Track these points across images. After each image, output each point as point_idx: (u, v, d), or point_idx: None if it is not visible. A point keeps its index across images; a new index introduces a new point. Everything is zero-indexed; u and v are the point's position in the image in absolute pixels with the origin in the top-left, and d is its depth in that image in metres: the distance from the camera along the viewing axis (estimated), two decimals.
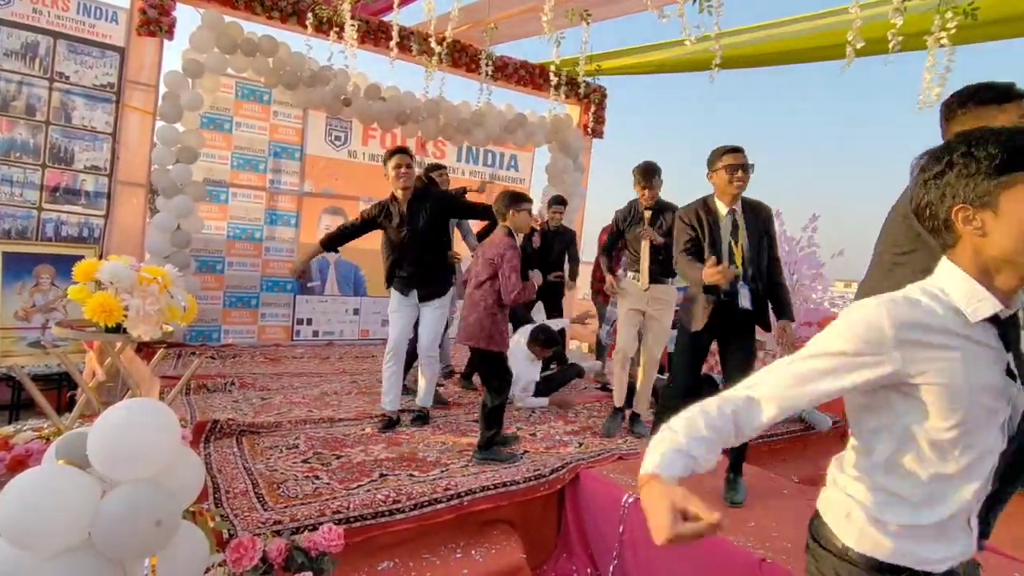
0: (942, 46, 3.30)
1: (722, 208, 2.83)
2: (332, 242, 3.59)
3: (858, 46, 3.08)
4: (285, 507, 2.39)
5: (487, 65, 5.46)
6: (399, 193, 3.45)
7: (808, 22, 3.31)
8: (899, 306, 0.98)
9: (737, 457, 2.89)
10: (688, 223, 2.87)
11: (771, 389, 1.04)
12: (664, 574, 2.56)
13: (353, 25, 4.51)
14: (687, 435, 0.98)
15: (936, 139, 1.86)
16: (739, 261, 2.78)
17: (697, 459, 0.97)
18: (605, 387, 4.92)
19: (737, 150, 2.75)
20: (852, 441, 1.14)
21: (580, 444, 3.47)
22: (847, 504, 1.11)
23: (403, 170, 3.37)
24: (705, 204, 2.87)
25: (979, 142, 0.96)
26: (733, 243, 2.79)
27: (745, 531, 2.48)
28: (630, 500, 2.73)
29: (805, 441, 4.21)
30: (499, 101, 6.47)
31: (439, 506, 2.60)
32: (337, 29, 4.70)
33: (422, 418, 3.65)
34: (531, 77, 6.57)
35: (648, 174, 3.48)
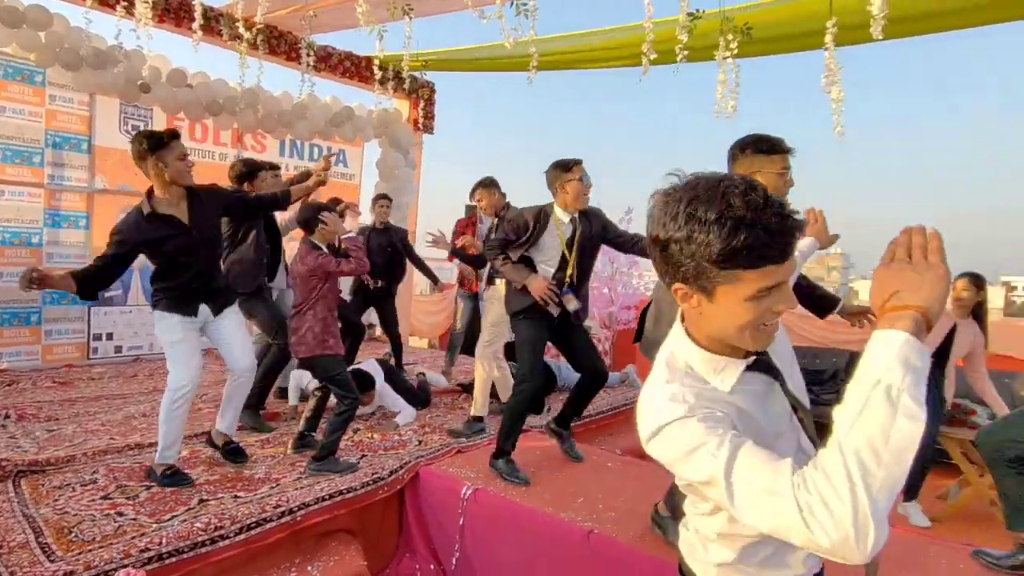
0: (726, 57, 3.78)
1: (563, 216, 2.93)
2: (90, 284, 2.55)
3: (652, 57, 3.42)
4: (78, 554, 2.09)
5: (308, 55, 5.18)
6: (171, 191, 2.67)
7: (606, 35, 3.61)
8: (676, 399, 0.90)
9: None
10: (524, 224, 2.92)
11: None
12: (503, 555, 2.66)
13: (146, 1, 4.02)
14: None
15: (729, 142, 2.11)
16: (570, 268, 2.95)
17: None
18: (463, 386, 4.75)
19: (581, 162, 2.88)
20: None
21: (420, 441, 3.47)
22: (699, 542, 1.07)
23: (184, 163, 2.66)
24: (544, 212, 2.93)
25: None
26: (567, 251, 2.92)
27: (574, 507, 2.66)
28: (469, 492, 2.79)
29: (627, 414, 4.59)
30: (324, 93, 6.19)
31: (269, 525, 2.45)
32: (125, 3, 4.16)
33: (235, 452, 3.01)
34: (357, 69, 6.37)
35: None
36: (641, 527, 2.44)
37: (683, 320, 1.02)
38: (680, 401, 0.89)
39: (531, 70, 3.79)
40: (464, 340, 4.98)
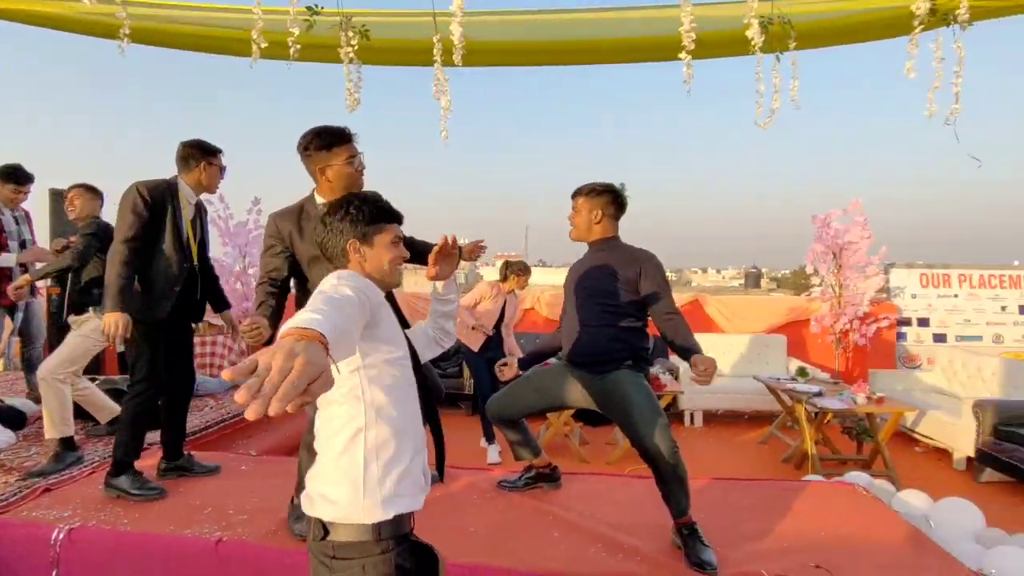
0: (351, 61, 3.91)
1: (190, 196, 2.76)
2: None
3: (263, 45, 3.34)
4: None
5: None
6: None
7: (218, 12, 3.37)
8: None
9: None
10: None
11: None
12: None
13: None
14: None
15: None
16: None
17: None
18: None
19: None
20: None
21: None
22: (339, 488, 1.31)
23: None
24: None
25: (361, 203, 1.48)
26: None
27: (200, 519, 2.51)
28: (61, 535, 2.36)
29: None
30: None
31: None
32: None
33: None
34: None
35: None
36: (274, 523, 2.46)
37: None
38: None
39: (121, 38, 3.27)
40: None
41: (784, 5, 3.44)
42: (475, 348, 4.78)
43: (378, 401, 1.30)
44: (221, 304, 3.11)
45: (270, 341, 2.11)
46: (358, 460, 1.28)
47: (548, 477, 2.90)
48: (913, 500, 2.92)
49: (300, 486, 2.43)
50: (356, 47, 3.77)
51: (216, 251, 6.22)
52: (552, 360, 2.90)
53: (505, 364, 2.74)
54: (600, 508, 2.66)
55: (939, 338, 7.15)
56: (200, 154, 2.78)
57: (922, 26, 3.05)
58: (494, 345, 4.85)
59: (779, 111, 3.56)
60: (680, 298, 6.78)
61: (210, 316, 3.26)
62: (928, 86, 3.38)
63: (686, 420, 5.99)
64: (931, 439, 5.09)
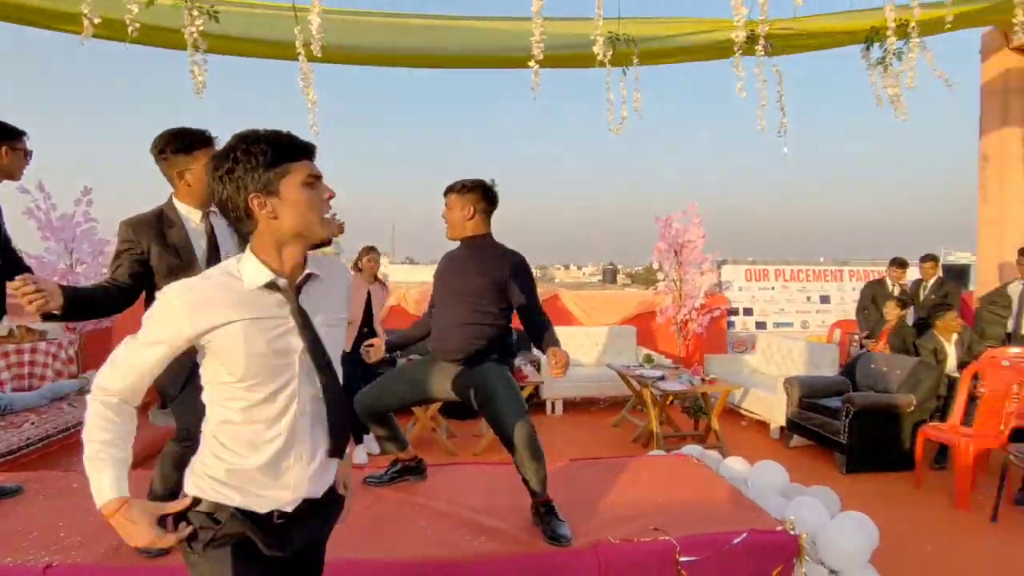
0: (197, 50, 3.63)
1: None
2: None
3: (95, 21, 3.04)
4: None
5: None
6: None
7: None
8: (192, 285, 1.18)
9: None
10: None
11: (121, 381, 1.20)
12: None
13: None
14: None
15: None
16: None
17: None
18: None
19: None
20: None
21: None
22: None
23: None
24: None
25: (253, 141, 1.15)
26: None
27: (25, 545, 2.26)
28: None
29: None
30: None
31: None
32: None
33: None
34: None
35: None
36: (116, 539, 2.27)
37: (253, 240, 1.24)
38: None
39: None
40: None
41: (630, 27, 3.79)
42: (347, 347, 4.71)
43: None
44: None
45: (60, 317, 1.87)
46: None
47: (414, 470, 2.96)
48: (735, 465, 3.35)
49: (152, 498, 2.28)
50: (201, 27, 3.55)
51: (36, 247, 5.48)
52: (414, 356, 2.97)
53: (371, 346, 2.75)
54: (465, 495, 2.77)
55: (760, 325, 8.19)
56: (0, 138, 2.46)
57: (740, 51, 3.50)
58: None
59: (629, 120, 3.93)
60: (541, 293, 7.14)
61: (29, 320, 2.90)
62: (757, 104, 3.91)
63: (548, 409, 6.33)
64: (754, 413, 5.85)
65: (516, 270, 2.59)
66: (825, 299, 8.47)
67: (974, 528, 3.67)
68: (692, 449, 3.57)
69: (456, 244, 2.72)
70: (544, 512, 2.42)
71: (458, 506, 2.63)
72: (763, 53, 3.52)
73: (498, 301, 2.58)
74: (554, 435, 5.43)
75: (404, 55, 3.70)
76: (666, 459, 3.40)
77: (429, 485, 2.93)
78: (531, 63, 3.33)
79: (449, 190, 2.64)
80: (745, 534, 2.36)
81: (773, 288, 8.35)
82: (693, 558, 2.27)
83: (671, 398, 5.05)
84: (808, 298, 8.42)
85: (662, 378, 5.10)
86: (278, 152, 1.16)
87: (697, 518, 2.54)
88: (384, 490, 2.85)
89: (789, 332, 7.94)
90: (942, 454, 4.62)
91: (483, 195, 2.62)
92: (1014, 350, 4.51)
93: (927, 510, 3.94)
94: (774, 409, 5.45)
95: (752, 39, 3.63)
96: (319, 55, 3.30)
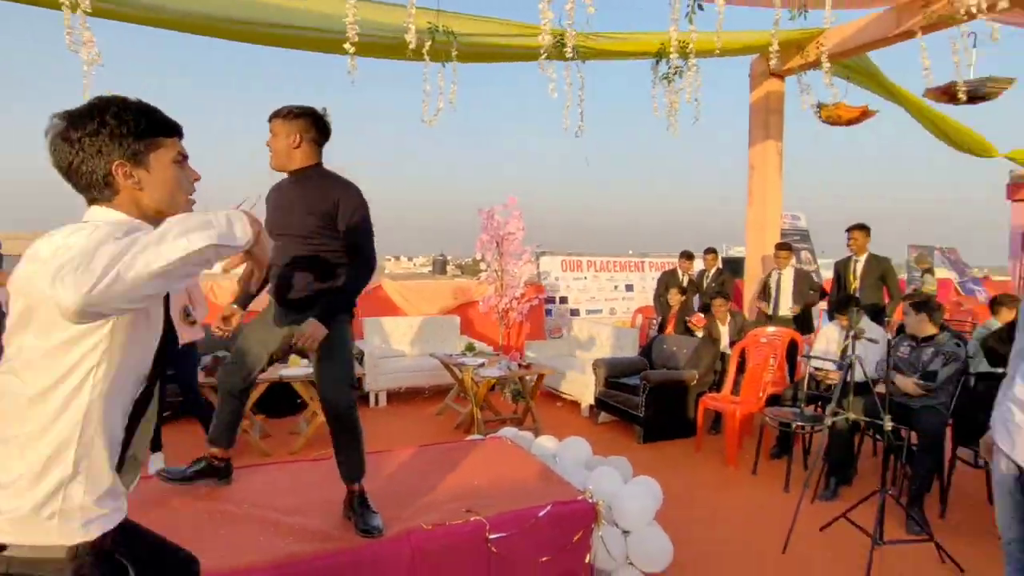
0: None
1: None
2: None
3: None
4: None
5: None
6: None
7: None
8: None
9: None
10: None
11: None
12: None
13: None
14: None
15: None
16: None
17: None
18: None
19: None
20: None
21: None
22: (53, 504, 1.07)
23: None
24: None
25: (124, 108, 1.10)
26: None
27: None
28: None
29: None
30: None
31: None
32: None
33: None
34: None
35: None
36: None
37: (111, 205, 1.16)
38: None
39: None
40: None
41: (448, 20, 3.84)
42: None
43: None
44: None
45: None
46: None
47: (220, 472, 2.73)
48: (546, 444, 3.60)
49: None
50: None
51: None
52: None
53: (225, 317, 2.43)
54: (274, 497, 2.63)
55: (574, 312, 8.83)
56: None
57: (546, 55, 3.72)
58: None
59: (444, 111, 3.98)
60: None
61: None
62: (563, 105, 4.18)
63: (371, 401, 6.22)
64: (568, 394, 6.30)
65: (344, 201, 2.31)
66: (630, 287, 9.39)
67: (739, 480, 4.35)
68: (508, 431, 3.75)
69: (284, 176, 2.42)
70: (357, 504, 2.39)
71: (265, 509, 2.48)
72: (571, 57, 3.78)
73: (331, 239, 2.34)
74: (378, 427, 5.35)
75: (175, 18, 3.30)
76: (482, 442, 3.53)
77: (234, 489, 2.72)
78: (346, 45, 3.22)
79: (275, 115, 2.32)
80: (549, 506, 2.55)
81: (586, 278, 9.05)
82: (502, 534, 2.40)
83: (492, 384, 5.25)
84: (616, 287, 9.28)
85: (482, 365, 5.28)
86: (151, 124, 1.14)
87: (508, 496, 2.68)
88: (179, 500, 2.59)
89: (599, 318, 8.67)
90: (718, 421, 5.40)
91: (313, 122, 2.34)
92: (771, 329, 5.38)
93: (704, 469, 4.58)
94: (584, 389, 5.93)
95: (560, 44, 3.89)
96: (89, 10, 2.87)
